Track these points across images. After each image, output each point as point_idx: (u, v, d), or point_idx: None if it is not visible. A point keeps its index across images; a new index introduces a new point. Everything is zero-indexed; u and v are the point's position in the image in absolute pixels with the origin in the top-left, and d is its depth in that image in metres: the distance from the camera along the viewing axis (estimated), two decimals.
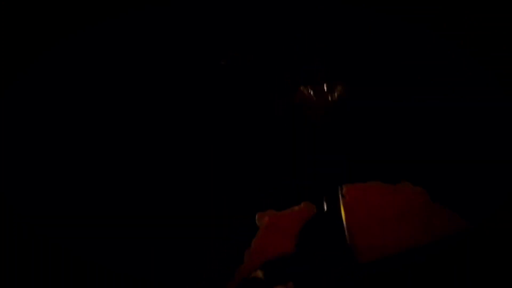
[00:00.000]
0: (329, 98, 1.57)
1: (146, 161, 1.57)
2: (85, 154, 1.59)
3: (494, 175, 1.46)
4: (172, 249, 1.53)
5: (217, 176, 1.60)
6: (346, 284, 1.46)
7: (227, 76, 1.60)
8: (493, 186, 1.46)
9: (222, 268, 1.50)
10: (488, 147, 1.46)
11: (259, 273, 1.53)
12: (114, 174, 1.58)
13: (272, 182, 1.58)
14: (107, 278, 1.51)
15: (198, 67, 1.61)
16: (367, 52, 1.59)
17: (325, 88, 1.57)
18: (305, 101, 1.59)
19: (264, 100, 1.60)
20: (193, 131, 1.60)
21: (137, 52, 1.61)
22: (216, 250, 1.54)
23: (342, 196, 1.50)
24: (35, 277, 1.52)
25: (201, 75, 1.61)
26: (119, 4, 1.60)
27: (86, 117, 1.61)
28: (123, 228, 1.54)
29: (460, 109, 1.50)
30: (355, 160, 1.53)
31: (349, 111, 1.56)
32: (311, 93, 1.57)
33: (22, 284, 1.51)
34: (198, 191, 1.58)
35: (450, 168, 1.49)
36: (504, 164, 1.45)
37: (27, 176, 1.57)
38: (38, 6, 1.60)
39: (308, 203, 1.53)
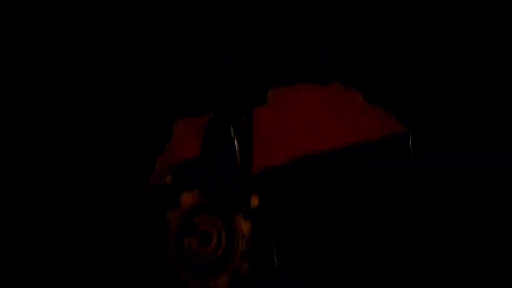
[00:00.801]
0: None
1: (146, 161, 1.56)
2: (85, 154, 1.60)
3: (492, 177, 1.44)
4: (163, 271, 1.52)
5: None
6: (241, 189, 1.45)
7: (227, 76, 1.61)
8: (490, 187, 1.45)
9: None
10: (487, 148, 1.45)
11: (168, 180, 1.52)
12: (114, 174, 1.59)
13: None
14: (107, 278, 1.52)
15: (197, 67, 1.63)
16: (366, 51, 1.60)
17: None
18: None
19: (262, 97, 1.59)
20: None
21: (138, 52, 1.62)
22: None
23: (266, 100, 1.47)
24: (35, 277, 1.52)
25: (200, 75, 1.63)
26: (119, 4, 1.60)
27: (86, 117, 1.61)
28: (123, 228, 1.55)
29: (460, 109, 1.50)
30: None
31: None
32: None
33: (22, 284, 1.51)
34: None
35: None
36: (503, 165, 1.44)
37: (27, 176, 1.57)
38: (38, 6, 1.61)
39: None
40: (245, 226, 1.48)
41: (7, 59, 1.59)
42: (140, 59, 1.61)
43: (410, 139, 1.39)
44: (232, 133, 1.48)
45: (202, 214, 1.50)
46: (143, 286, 1.50)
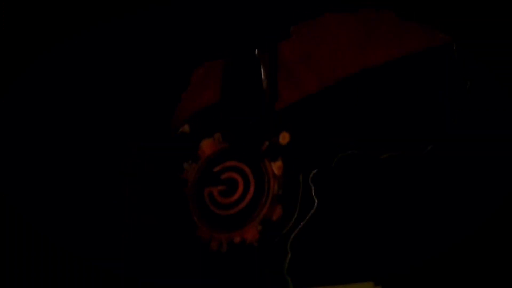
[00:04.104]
0: None
1: (146, 161, 1.54)
2: (85, 154, 1.56)
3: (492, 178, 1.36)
4: (173, 250, 1.48)
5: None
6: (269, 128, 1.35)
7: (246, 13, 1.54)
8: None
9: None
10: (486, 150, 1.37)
11: (186, 128, 1.46)
12: (114, 174, 1.55)
13: None
14: (107, 279, 1.48)
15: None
16: None
17: None
18: None
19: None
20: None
21: (139, 52, 1.59)
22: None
23: (289, 35, 1.39)
24: (35, 277, 1.49)
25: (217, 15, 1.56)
26: (120, 4, 1.59)
27: (87, 117, 1.58)
28: (123, 227, 1.51)
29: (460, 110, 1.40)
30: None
31: None
32: None
33: (22, 284, 1.49)
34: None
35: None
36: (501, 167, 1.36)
37: (27, 176, 1.54)
38: (38, 6, 1.60)
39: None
40: (276, 167, 1.33)
41: (7, 59, 1.58)
42: (142, 59, 1.59)
43: (455, 47, 1.32)
44: (255, 70, 1.38)
45: (225, 161, 1.36)
46: (143, 286, 1.45)
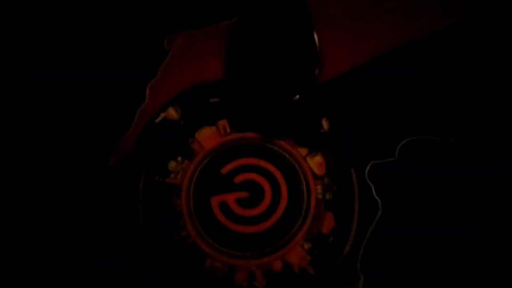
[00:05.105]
0: None
1: (146, 162, 1.45)
2: (86, 155, 1.52)
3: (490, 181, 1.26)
4: (174, 251, 1.39)
5: None
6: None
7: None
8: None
9: None
10: (485, 150, 1.25)
11: (172, 113, 1.13)
12: (114, 174, 1.51)
13: None
14: (108, 279, 1.45)
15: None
16: None
17: None
18: None
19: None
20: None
21: (139, 53, 1.51)
22: None
23: None
24: (35, 277, 1.49)
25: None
26: (120, 4, 1.56)
27: (87, 117, 1.53)
28: (124, 227, 1.45)
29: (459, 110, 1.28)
30: None
31: None
32: None
33: (22, 284, 1.49)
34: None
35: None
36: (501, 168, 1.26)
37: (27, 176, 1.53)
38: (38, 6, 1.59)
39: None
40: (315, 163, 0.98)
41: (7, 59, 1.59)
42: (143, 60, 1.50)
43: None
44: (279, 32, 1.04)
45: (238, 159, 0.99)
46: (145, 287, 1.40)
